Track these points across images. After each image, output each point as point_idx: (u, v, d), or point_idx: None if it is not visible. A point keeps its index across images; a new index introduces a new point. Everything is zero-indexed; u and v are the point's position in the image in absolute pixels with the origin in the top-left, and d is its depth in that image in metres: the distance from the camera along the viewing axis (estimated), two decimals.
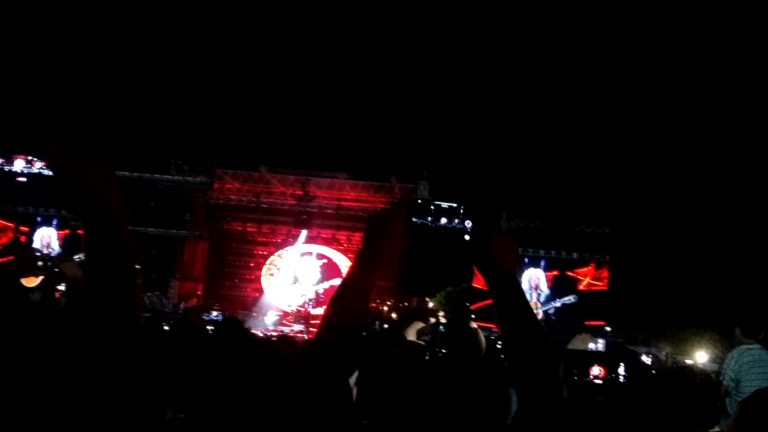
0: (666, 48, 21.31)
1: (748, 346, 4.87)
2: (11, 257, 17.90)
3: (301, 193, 22.57)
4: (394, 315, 18.85)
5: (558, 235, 20.68)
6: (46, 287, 4.81)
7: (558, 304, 19.08)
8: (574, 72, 21.62)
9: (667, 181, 21.23)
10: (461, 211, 1.81)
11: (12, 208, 18.91)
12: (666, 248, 20.60)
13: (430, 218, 1.85)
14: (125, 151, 18.44)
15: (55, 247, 19.13)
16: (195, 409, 2.15)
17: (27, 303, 4.72)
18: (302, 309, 22.21)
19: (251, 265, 24.22)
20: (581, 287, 20.31)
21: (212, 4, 21.74)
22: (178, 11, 20.74)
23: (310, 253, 23.63)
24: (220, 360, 1.71)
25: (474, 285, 20.58)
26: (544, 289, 20.17)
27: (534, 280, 20.24)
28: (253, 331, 12.33)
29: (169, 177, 20.52)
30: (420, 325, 4.08)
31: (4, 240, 18.91)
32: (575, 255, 20.59)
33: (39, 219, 19.57)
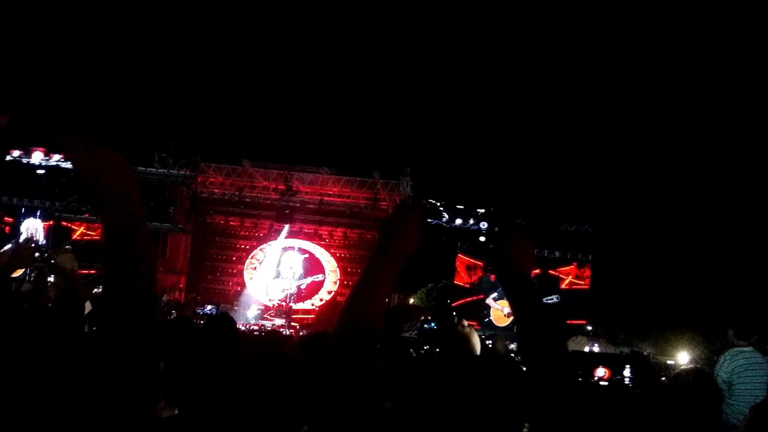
0: (649, 47, 21.48)
1: (741, 349, 4.88)
2: None
3: (283, 187, 22.49)
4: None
5: (541, 233, 20.77)
6: (39, 278, 4.76)
7: None
8: (557, 71, 21.74)
9: (650, 182, 21.42)
10: (477, 212, 1.82)
11: None
12: (649, 248, 20.78)
13: (445, 219, 1.86)
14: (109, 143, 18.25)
15: (41, 238, 18.94)
16: (192, 403, 2.14)
17: (19, 295, 4.67)
18: (284, 303, 22.18)
19: (233, 258, 24.14)
20: (563, 286, 20.44)
21: (197, 2, 21.62)
22: (164, 8, 20.61)
23: (293, 248, 23.60)
24: (223, 354, 1.70)
25: (455, 282, 20.68)
26: None
27: None
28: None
29: (153, 170, 20.36)
30: None
31: None
32: (557, 254, 20.70)
33: (23, 210, 19.39)
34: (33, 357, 2.18)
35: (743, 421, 2.02)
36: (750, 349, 4.95)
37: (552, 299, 19.14)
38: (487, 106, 22.15)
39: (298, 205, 22.86)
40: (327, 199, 22.80)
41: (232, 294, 23.15)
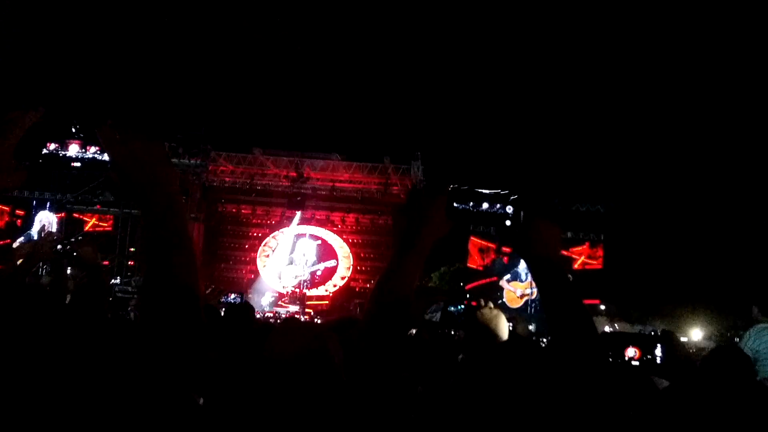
0: (664, 27, 21.29)
1: (766, 325, 4.86)
2: (8, 240, 17.90)
3: (295, 174, 22.52)
4: None
5: (553, 213, 20.69)
6: (57, 271, 4.80)
7: None
8: (567, 51, 21.60)
9: (661, 161, 21.30)
10: (503, 196, 1.82)
11: (7, 192, 18.75)
12: (660, 227, 20.69)
13: (471, 203, 1.86)
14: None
15: (54, 230, 19.02)
16: (222, 393, 2.16)
17: (39, 287, 4.70)
18: (297, 290, 22.26)
19: (246, 246, 24.19)
20: (576, 266, 20.40)
21: None
22: None
23: (305, 235, 23.64)
24: (245, 343, 1.71)
25: (468, 265, 20.68)
26: None
27: None
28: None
29: None
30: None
31: (1, 224, 18.81)
32: (570, 234, 20.63)
33: (34, 202, 19.48)
34: (58, 350, 2.21)
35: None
36: None
37: None
38: (498, 88, 22.04)
39: (309, 191, 22.88)
40: (338, 185, 22.81)
41: (246, 282, 23.23)
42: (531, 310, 18.74)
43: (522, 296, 19.45)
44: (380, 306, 1.78)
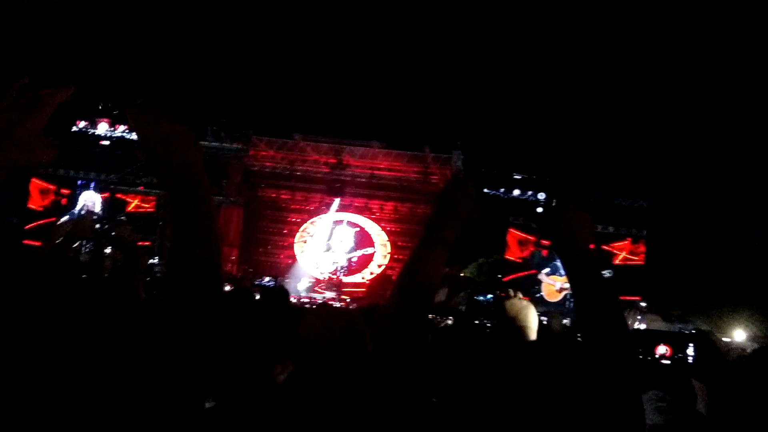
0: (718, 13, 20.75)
1: None
2: (53, 218, 18.27)
3: (334, 161, 22.60)
4: None
5: (594, 208, 20.40)
6: (96, 249, 4.88)
7: None
8: (614, 39, 21.19)
9: (706, 155, 20.83)
10: (536, 182, 1.78)
11: (52, 170, 19.14)
12: (704, 223, 20.31)
13: (502, 189, 1.82)
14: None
15: (98, 210, 19.36)
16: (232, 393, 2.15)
17: (78, 264, 4.79)
18: (334, 276, 22.36)
19: (284, 231, 24.37)
20: (617, 261, 20.15)
21: None
22: None
23: (342, 221, 23.72)
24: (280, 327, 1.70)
25: (507, 257, 20.54)
26: None
27: None
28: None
29: (206, 143, 20.59)
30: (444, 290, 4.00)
31: (46, 202, 19.19)
32: (611, 229, 20.37)
33: (79, 182, 19.82)
34: (93, 327, 2.23)
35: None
36: None
37: (605, 274, 18.83)
38: (540, 78, 21.77)
39: (348, 178, 22.95)
40: (377, 173, 22.83)
41: (284, 267, 23.41)
42: (569, 304, 18.57)
43: (561, 290, 19.26)
44: (403, 292, 1.76)
